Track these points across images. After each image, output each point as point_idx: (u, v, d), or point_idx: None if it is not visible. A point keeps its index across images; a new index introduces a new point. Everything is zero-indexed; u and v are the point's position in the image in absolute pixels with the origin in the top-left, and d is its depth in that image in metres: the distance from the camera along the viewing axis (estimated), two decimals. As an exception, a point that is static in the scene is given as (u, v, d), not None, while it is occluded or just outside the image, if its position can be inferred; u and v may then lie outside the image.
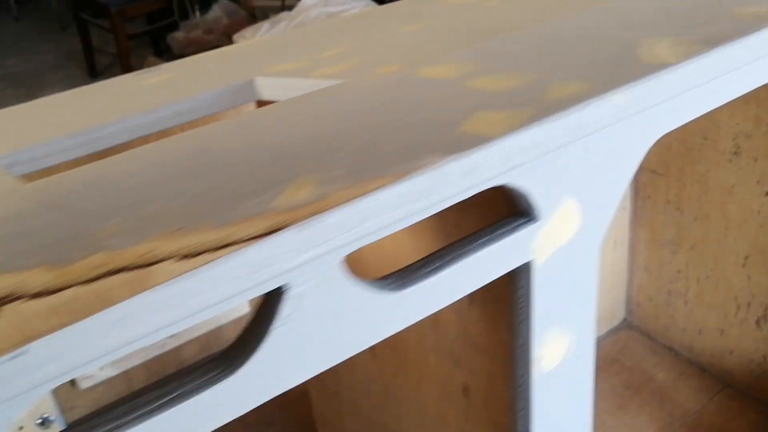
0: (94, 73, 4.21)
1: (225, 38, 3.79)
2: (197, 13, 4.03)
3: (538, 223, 0.59)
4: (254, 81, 0.85)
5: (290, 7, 3.55)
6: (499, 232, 0.59)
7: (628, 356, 1.40)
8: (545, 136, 0.54)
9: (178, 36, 3.88)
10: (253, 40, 0.96)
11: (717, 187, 1.22)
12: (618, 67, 0.61)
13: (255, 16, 3.98)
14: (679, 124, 0.65)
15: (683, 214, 1.29)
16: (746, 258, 1.23)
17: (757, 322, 1.25)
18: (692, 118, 0.66)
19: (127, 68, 3.90)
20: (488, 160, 0.51)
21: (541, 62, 0.65)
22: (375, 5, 3.17)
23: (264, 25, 3.41)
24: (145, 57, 4.09)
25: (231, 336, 0.86)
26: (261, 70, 0.87)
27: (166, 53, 4.15)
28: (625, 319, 1.48)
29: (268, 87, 0.84)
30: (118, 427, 0.42)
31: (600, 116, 0.57)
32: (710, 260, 1.28)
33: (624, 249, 1.40)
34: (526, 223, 0.59)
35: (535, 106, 0.56)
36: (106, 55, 4.31)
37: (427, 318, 0.55)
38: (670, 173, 1.28)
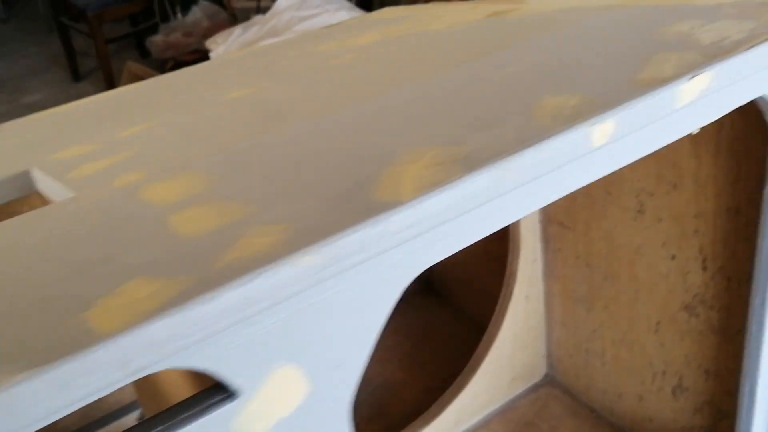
0: (78, 77, 4.16)
1: (205, 41, 3.70)
2: (178, 15, 3.94)
3: (237, 401, 0.49)
4: (30, 172, 0.76)
5: (265, 10, 3.44)
6: (191, 412, 0.49)
7: (546, 418, 1.29)
8: (201, 316, 0.44)
9: (157, 39, 3.79)
10: (63, 107, 0.86)
11: (624, 245, 1.10)
12: (345, 206, 0.50)
13: (237, 18, 3.87)
14: (448, 253, 0.54)
15: (593, 271, 1.17)
16: (658, 324, 1.11)
17: (674, 392, 1.13)
18: (470, 242, 0.55)
19: (108, 72, 3.84)
20: (101, 365, 0.41)
21: (264, 189, 0.54)
22: (348, 11, 3.05)
23: (236, 30, 3.31)
24: (126, 61, 4.02)
25: None
26: (44, 157, 0.78)
27: (149, 56, 4.08)
28: (547, 374, 1.36)
29: (43, 181, 0.75)
30: None
31: (297, 276, 0.47)
32: (623, 323, 1.16)
33: (537, 302, 1.28)
34: (221, 401, 0.49)
35: (199, 272, 0.45)
36: (90, 58, 4.24)
37: None
38: (578, 227, 1.16)
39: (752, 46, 0.65)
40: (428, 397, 1.30)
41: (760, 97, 0.73)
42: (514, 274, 1.23)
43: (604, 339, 1.21)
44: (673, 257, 1.04)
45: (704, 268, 1.00)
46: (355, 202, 0.49)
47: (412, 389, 1.34)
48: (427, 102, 0.65)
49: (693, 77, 0.60)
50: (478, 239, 0.53)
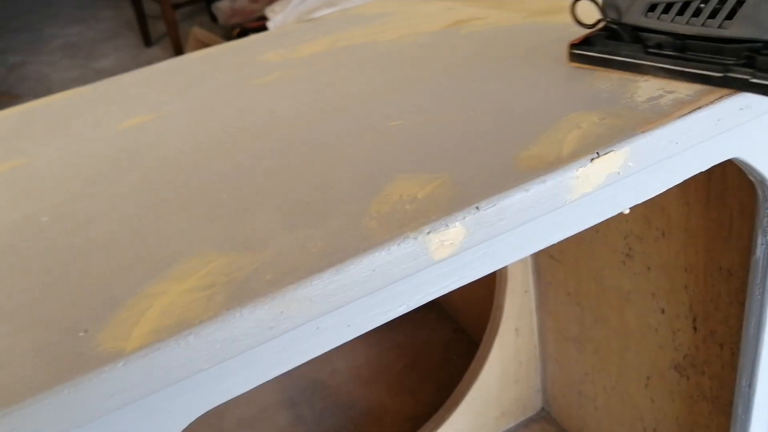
0: (149, 42, 4.19)
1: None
2: (245, -20, 3.88)
3: None
4: None
5: (326, -23, 3.33)
6: None
7: (535, 460, 1.18)
8: None
9: (223, 5, 3.75)
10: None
11: (613, 289, 0.97)
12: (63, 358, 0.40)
13: (301, -18, 3.78)
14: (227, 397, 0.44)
15: (584, 311, 1.04)
16: (648, 378, 0.97)
17: (666, 454, 1.00)
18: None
19: (176, 38, 3.84)
20: None
21: None
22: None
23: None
24: (194, 27, 4.01)
25: None
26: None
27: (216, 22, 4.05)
28: (543, 409, 1.25)
29: None
30: None
31: None
32: (614, 371, 1.03)
33: (530, 336, 1.16)
34: None
35: None
36: (163, 23, 4.26)
37: None
38: (567, 261, 1.03)
39: (701, 107, 0.52)
40: (411, 428, 1.21)
41: (734, 159, 0.59)
42: (500, 307, 1.12)
43: (596, 384, 1.08)
44: (663, 311, 0.90)
45: (695, 329, 0.86)
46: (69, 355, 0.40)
47: (396, 418, 1.25)
48: (263, 172, 0.54)
49: (594, 159, 0.48)
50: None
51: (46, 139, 0.72)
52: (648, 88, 0.55)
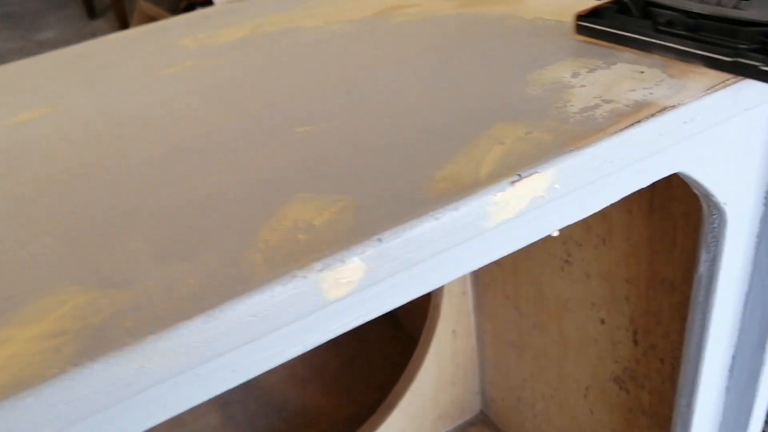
0: (93, 14, 4.02)
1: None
2: (193, -50, 3.73)
3: None
4: None
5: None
6: None
7: (472, 465, 1.14)
8: None
9: (169, -25, 3.60)
10: None
11: (552, 296, 0.92)
12: None
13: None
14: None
15: (522, 316, 0.99)
16: (587, 389, 0.93)
17: (604, 466, 0.96)
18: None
19: (121, 12, 3.68)
20: None
21: None
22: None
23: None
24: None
25: None
26: None
27: (164, -7, 3.89)
28: (481, 412, 1.20)
29: None
30: None
31: None
32: (553, 379, 0.99)
33: (468, 338, 1.11)
34: None
35: None
36: (108, -6, 4.09)
37: None
38: (506, 263, 0.98)
39: (641, 121, 0.46)
40: (347, 430, 1.16)
41: (678, 173, 0.54)
42: (437, 308, 1.06)
43: (535, 391, 1.04)
44: (603, 321, 0.85)
45: (635, 342, 0.82)
46: None
47: (331, 418, 1.20)
48: (143, 186, 0.47)
49: (516, 182, 0.42)
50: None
51: None
52: (584, 95, 0.50)
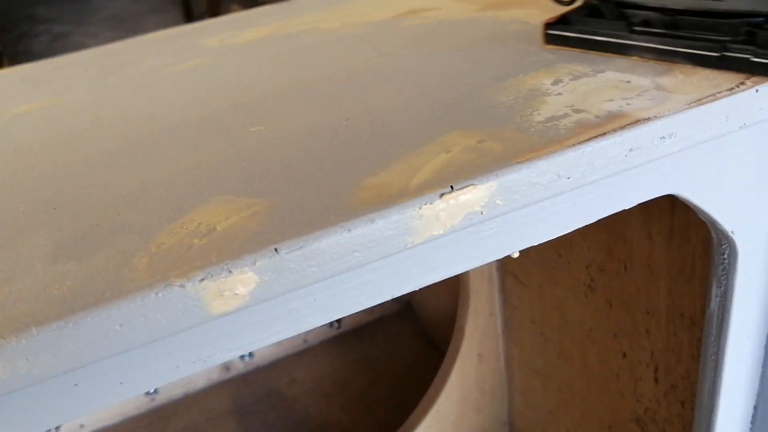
0: (190, 18, 4.15)
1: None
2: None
3: None
4: None
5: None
6: None
7: (495, 497, 1.08)
8: None
9: (259, -16, 3.68)
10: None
11: (576, 323, 0.85)
12: None
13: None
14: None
15: (547, 344, 0.93)
16: (609, 428, 0.86)
17: None
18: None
19: (215, 15, 3.79)
20: None
21: None
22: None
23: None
24: (232, 5, 3.95)
25: None
26: None
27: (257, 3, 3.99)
28: (510, 442, 1.14)
29: None
30: None
31: None
32: (577, 414, 0.92)
33: (495, 363, 1.05)
34: None
35: None
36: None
37: None
38: (532, 285, 0.92)
39: (607, 134, 0.41)
40: (365, 450, 1.12)
41: (677, 196, 0.48)
42: (462, 329, 1.01)
43: (560, 426, 0.97)
44: (624, 355, 0.78)
45: (656, 380, 0.75)
46: None
47: (351, 436, 1.16)
48: (80, 180, 0.45)
49: (445, 194, 0.37)
50: None
51: None
52: (555, 104, 0.45)
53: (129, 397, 0.37)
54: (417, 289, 0.42)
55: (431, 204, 0.37)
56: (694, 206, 0.50)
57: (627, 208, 0.47)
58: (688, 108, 0.42)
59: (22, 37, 4.15)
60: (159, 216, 0.39)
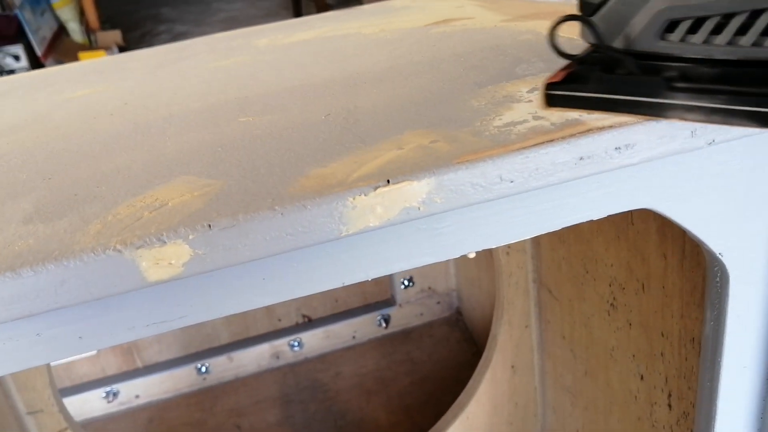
0: (299, 22, 4.28)
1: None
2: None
3: None
4: None
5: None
6: None
7: None
8: None
9: (369, -8, 3.76)
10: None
11: (600, 341, 0.84)
12: None
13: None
14: None
15: (576, 361, 0.92)
16: (629, 452, 0.84)
17: None
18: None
19: (322, 21, 3.90)
20: None
21: None
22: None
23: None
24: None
25: None
26: None
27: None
28: (543, 460, 1.12)
29: None
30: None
31: None
32: (600, 434, 0.90)
33: (529, 376, 1.05)
34: None
35: None
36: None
37: None
38: (563, 300, 0.91)
39: (555, 141, 0.41)
40: (397, 451, 1.14)
41: (648, 210, 0.48)
42: (495, 338, 1.01)
43: (585, 445, 0.95)
44: (642, 377, 0.77)
45: (669, 406, 0.73)
46: None
47: (385, 436, 1.18)
48: (81, 155, 0.49)
49: (379, 187, 0.39)
50: None
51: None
52: (520, 110, 0.45)
53: (88, 352, 0.41)
54: (368, 279, 0.43)
55: (365, 195, 0.39)
56: (677, 224, 0.49)
57: (596, 218, 0.46)
58: (647, 120, 0.41)
59: (145, 35, 4.41)
60: (127, 191, 0.43)
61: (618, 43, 0.43)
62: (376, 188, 0.39)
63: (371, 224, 0.40)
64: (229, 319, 1.30)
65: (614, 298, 0.79)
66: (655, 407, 0.76)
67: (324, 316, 1.33)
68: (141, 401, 1.28)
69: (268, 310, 1.31)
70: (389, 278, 1.33)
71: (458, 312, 1.37)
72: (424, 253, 0.44)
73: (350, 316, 1.31)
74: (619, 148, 0.42)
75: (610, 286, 0.79)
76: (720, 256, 0.50)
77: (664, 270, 0.68)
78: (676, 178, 0.46)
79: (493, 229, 0.44)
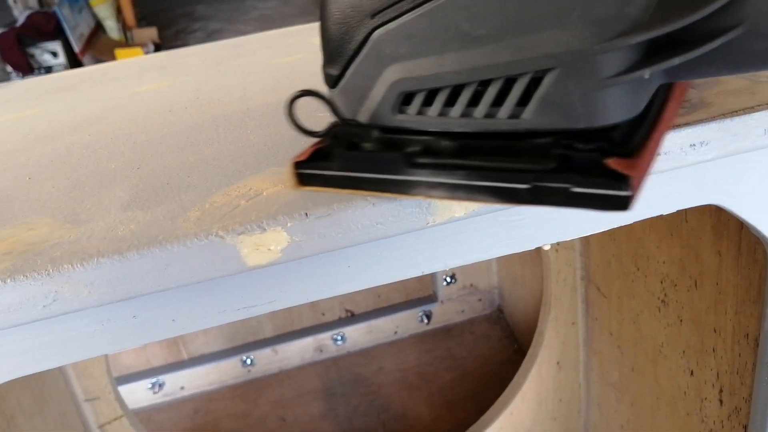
0: (332, 22, 4.32)
1: None
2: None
3: None
4: None
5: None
6: None
7: (563, 508, 1.08)
8: None
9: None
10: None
11: (649, 337, 0.85)
12: None
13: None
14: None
15: (623, 356, 0.93)
16: (677, 448, 0.85)
17: None
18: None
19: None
20: None
21: None
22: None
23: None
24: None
25: None
26: None
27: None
28: (586, 456, 1.14)
29: None
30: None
31: None
32: (646, 431, 0.91)
33: (574, 373, 1.06)
34: None
35: None
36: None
37: None
38: (611, 297, 0.93)
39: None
40: (438, 445, 1.15)
41: (705, 207, 0.49)
42: (542, 334, 1.03)
43: (630, 441, 0.96)
44: (692, 373, 0.78)
45: (720, 402, 0.74)
46: None
47: (427, 429, 1.20)
48: (150, 149, 0.52)
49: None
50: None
51: (60, 96, 0.74)
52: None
53: (180, 334, 0.43)
54: (446, 268, 0.45)
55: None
56: (742, 219, 0.50)
57: (666, 213, 0.48)
58: (720, 118, 0.43)
59: (179, 33, 4.47)
60: (219, 180, 0.45)
61: (362, 117, 0.40)
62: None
63: (456, 215, 0.41)
64: (274, 313, 1.32)
65: (665, 295, 0.80)
66: (705, 402, 0.77)
67: (367, 311, 1.35)
68: (186, 393, 1.31)
69: (312, 303, 1.34)
70: (432, 275, 1.35)
71: (499, 309, 1.39)
72: (500, 244, 0.45)
73: (393, 311, 1.33)
74: (694, 145, 0.43)
75: (661, 282, 0.80)
76: (777, 248, 0.52)
77: (718, 267, 0.69)
78: (744, 175, 0.47)
79: (565, 222, 0.45)
